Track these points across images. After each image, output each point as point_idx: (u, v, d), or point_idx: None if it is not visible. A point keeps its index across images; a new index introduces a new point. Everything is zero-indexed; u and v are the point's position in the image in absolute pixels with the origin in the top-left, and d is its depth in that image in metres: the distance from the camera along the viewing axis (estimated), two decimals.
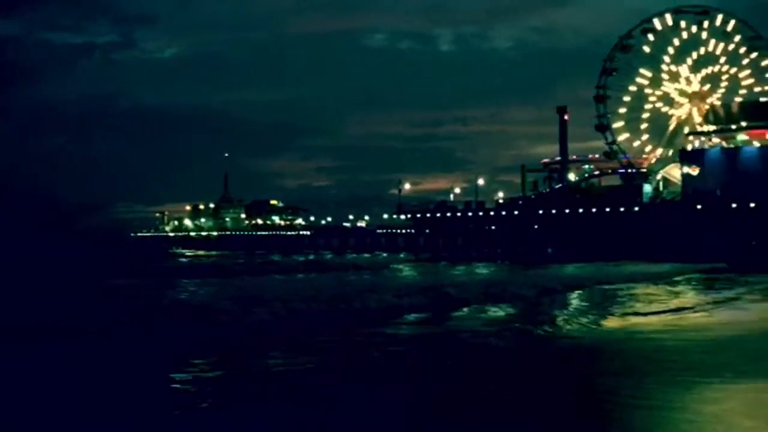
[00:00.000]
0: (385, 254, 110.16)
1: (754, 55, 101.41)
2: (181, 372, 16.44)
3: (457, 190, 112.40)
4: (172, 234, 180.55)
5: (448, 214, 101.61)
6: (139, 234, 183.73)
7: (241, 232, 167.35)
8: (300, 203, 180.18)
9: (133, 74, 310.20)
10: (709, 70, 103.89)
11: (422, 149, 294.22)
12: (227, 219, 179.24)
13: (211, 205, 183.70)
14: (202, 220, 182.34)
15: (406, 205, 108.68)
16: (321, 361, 17.64)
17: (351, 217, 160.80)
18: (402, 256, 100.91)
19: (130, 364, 17.76)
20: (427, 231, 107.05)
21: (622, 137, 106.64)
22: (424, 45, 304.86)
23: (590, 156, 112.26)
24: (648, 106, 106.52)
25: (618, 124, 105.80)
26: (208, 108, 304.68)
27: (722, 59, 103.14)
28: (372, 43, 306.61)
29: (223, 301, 28.32)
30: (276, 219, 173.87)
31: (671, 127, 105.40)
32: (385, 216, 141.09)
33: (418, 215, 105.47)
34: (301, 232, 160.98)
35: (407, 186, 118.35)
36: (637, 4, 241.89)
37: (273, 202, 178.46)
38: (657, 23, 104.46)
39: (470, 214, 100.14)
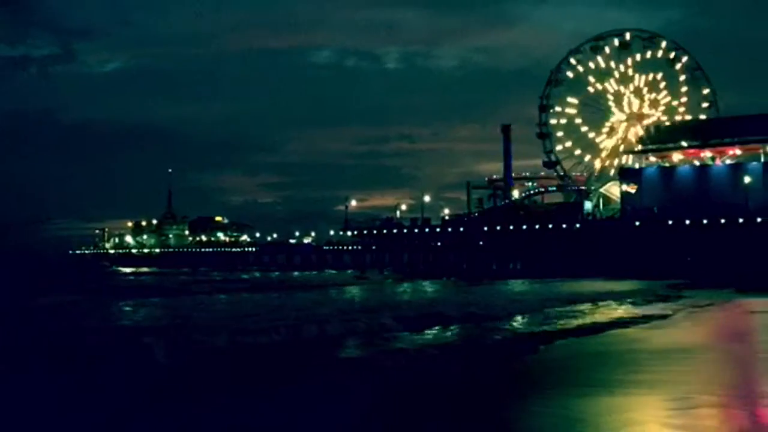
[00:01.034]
0: (332, 271, 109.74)
1: (686, 79, 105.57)
2: None
3: (404, 207, 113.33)
4: (112, 251, 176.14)
5: (395, 231, 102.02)
6: (77, 251, 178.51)
7: (185, 249, 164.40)
8: (245, 220, 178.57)
9: (72, 88, 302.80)
10: (648, 91, 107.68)
11: (368, 166, 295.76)
12: (170, 236, 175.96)
13: (154, 222, 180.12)
14: (144, 236, 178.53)
15: (353, 221, 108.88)
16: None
17: (297, 233, 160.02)
18: (349, 273, 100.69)
19: None
20: (374, 248, 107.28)
21: (561, 152, 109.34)
22: (371, 63, 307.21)
23: (539, 174, 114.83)
24: (587, 125, 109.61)
25: (559, 146, 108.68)
26: (152, 123, 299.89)
27: (662, 83, 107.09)
28: (318, 60, 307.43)
29: (146, 329, 26.14)
30: (220, 236, 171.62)
31: (611, 146, 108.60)
32: (332, 233, 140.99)
33: (365, 232, 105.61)
34: (246, 249, 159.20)
35: (354, 202, 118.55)
36: (580, 26, 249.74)
37: (217, 218, 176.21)
38: (600, 45, 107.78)
39: (416, 230, 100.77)
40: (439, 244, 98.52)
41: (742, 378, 18.90)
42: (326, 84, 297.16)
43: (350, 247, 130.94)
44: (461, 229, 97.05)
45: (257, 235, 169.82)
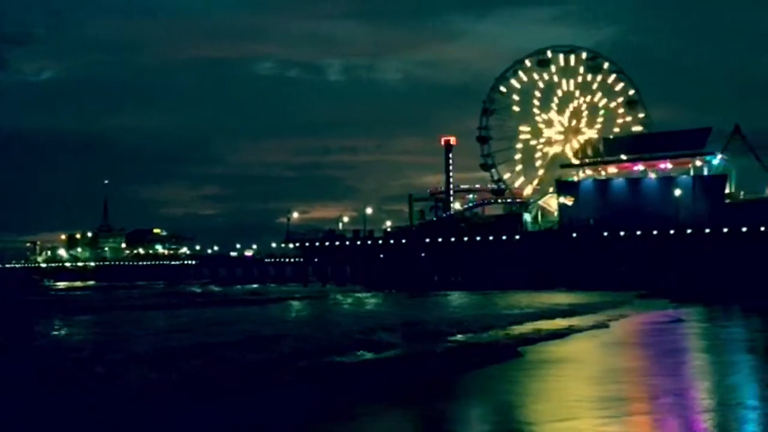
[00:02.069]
0: (273, 285, 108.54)
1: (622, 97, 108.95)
2: None
3: (346, 219, 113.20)
4: (44, 265, 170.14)
5: (337, 243, 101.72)
6: (7, 265, 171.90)
7: (122, 263, 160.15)
8: (185, 232, 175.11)
9: (5, 96, 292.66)
10: (584, 106, 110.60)
11: (311, 177, 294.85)
12: (106, 248, 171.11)
13: (89, 234, 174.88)
14: (79, 250, 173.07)
15: (295, 233, 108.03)
16: None
17: (238, 246, 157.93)
18: (291, 286, 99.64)
19: None
20: (316, 260, 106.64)
21: (503, 167, 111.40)
22: (314, 74, 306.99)
23: (478, 186, 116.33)
24: (526, 139, 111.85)
25: (501, 161, 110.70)
26: (88, 133, 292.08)
27: (597, 98, 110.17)
28: (261, 70, 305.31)
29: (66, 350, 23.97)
30: (159, 248, 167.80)
31: (548, 160, 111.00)
32: (274, 245, 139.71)
33: (307, 244, 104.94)
34: (186, 262, 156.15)
35: (296, 214, 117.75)
36: (521, 42, 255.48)
37: (156, 230, 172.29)
38: (546, 58, 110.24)
39: (359, 242, 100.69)
40: (381, 256, 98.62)
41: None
42: (269, 95, 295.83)
43: (292, 260, 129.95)
44: (403, 241, 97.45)
45: (197, 247, 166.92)
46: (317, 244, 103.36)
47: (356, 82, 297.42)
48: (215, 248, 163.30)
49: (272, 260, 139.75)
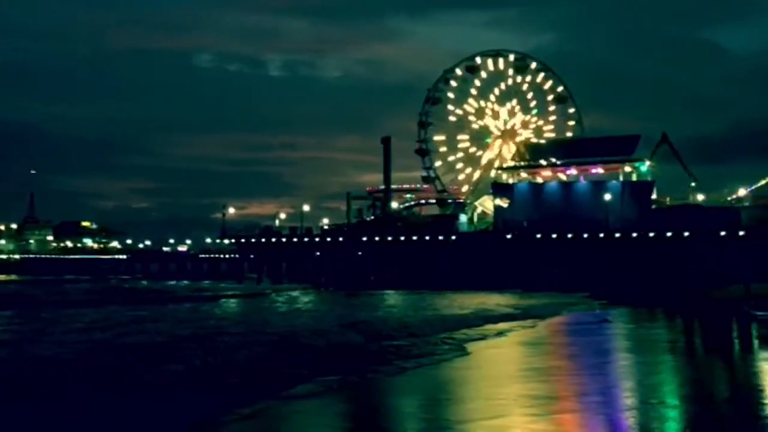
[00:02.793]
0: (207, 282, 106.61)
1: (556, 100, 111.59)
2: None
3: (283, 216, 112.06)
4: None
5: (274, 240, 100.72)
6: None
7: (48, 256, 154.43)
8: (116, 226, 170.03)
9: None
10: (520, 110, 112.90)
11: (248, 173, 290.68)
12: (32, 241, 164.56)
13: (14, 226, 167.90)
14: (2, 242, 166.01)
15: (231, 229, 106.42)
16: None
17: (172, 241, 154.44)
18: (224, 285, 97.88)
19: None
20: (252, 256, 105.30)
21: (440, 168, 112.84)
22: (254, 69, 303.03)
23: (416, 185, 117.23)
24: (464, 141, 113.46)
25: (438, 162, 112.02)
26: (14, 121, 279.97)
27: (533, 103, 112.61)
28: (200, 63, 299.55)
29: None
30: (88, 242, 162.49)
31: (486, 161, 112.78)
32: (209, 240, 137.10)
33: (243, 240, 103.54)
34: (116, 256, 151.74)
35: (232, 210, 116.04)
36: (459, 45, 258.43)
37: (85, 223, 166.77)
38: (475, 65, 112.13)
39: (296, 239, 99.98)
40: (318, 254, 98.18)
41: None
42: (207, 88, 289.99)
43: (227, 256, 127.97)
44: (340, 239, 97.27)
45: (129, 242, 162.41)
46: (253, 240, 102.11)
47: (297, 78, 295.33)
48: (147, 243, 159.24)
49: (207, 256, 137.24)
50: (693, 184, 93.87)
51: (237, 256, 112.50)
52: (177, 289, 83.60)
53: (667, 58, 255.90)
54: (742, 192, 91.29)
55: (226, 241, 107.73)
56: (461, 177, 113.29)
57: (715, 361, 25.33)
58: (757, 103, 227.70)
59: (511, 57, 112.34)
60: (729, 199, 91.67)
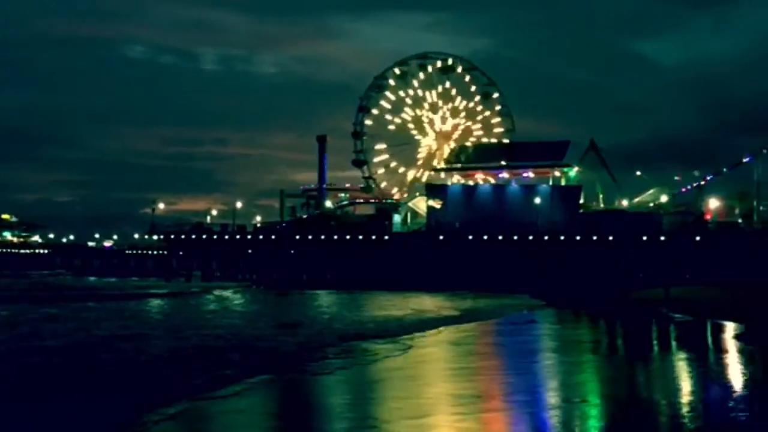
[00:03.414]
0: (135, 278, 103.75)
1: (491, 106, 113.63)
2: None
3: (215, 212, 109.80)
4: None
5: (204, 237, 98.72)
6: None
7: None
8: (38, 219, 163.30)
9: None
10: (455, 113, 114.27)
11: (180, 168, 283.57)
12: None
13: None
14: None
15: (160, 225, 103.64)
16: None
17: (97, 236, 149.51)
18: (152, 282, 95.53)
19: None
20: (181, 253, 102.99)
21: (376, 168, 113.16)
22: (187, 62, 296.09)
23: (347, 185, 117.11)
24: (398, 141, 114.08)
25: (373, 159, 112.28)
26: None
27: (468, 106, 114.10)
28: (131, 54, 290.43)
29: None
30: (8, 235, 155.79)
31: (420, 163, 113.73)
32: (137, 236, 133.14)
33: (172, 236, 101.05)
34: (37, 251, 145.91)
35: (161, 205, 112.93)
36: (398, 46, 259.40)
37: (4, 216, 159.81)
38: (408, 67, 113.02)
39: (227, 237, 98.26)
40: (250, 251, 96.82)
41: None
42: (138, 80, 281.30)
43: (155, 252, 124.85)
44: (273, 237, 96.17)
45: (51, 236, 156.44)
46: (183, 237, 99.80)
47: (232, 73, 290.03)
48: (71, 237, 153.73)
49: (134, 252, 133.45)
50: (618, 190, 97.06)
51: (166, 252, 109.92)
52: (100, 285, 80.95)
53: (597, 67, 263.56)
54: (663, 198, 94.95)
55: (155, 237, 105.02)
56: (395, 177, 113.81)
57: (635, 361, 26.21)
58: (679, 112, 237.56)
59: (451, 60, 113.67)
60: (651, 204, 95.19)
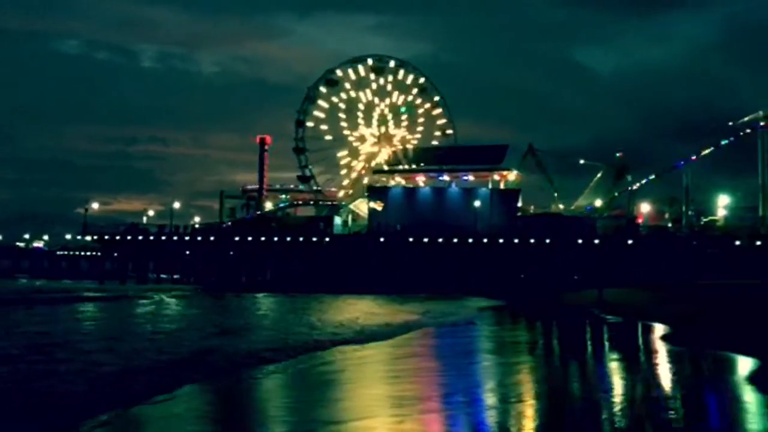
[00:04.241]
0: (67, 281, 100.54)
1: (433, 107, 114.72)
2: None
3: (152, 213, 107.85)
4: None
5: (140, 237, 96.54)
6: None
7: None
8: None
9: None
10: (396, 116, 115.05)
11: (116, 167, 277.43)
12: None
13: None
14: None
15: (94, 225, 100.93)
16: None
17: (27, 236, 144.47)
18: (85, 283, 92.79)
19: None
20: (116, 254, 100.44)
21: (317, 170, 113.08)
22: (125, 58, 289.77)
23: (292, 187, 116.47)
24: (341, 143, 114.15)
25: (316, 167, 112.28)
26: None
27: (409, 109, 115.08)
28: (65, 48, 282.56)
29: None
30: None
31: (361, 165, 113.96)
32: (69, 237, 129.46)
33: (107, 237, 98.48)
34: None
35: (95, 205, 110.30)
36: (340, 47, 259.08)
37: None
38: (350, 69, 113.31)
39: (164, 238, 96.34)
40: (187, 253, 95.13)
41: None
42: (72, 76, 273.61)
43: (89, 253, 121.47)
44: (212, 238, 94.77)
45: None
46: (118, 237, 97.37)
47: (171, 70, 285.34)
48: None
49: (66, 253, 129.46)
50: (555, 194, 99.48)
51: (99, 254, 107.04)
52: (27, 288, 77.72)
53: (537, 73, 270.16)
54: (598, 202, 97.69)
55: (88, 238, 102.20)
56: (337, 179, 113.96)
57: (570, 361, 26.83)
58: (615, 119, 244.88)
59: (391, 63, 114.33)
60: (586, 208, 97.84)
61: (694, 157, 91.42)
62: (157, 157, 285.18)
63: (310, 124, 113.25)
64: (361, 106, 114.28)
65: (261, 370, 22.58)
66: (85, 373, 19.88)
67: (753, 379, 20.17)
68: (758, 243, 79.39)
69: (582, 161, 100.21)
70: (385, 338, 32.47)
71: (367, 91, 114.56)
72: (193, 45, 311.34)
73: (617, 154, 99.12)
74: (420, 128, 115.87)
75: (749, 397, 17.77)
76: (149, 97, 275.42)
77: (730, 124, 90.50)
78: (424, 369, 24.06)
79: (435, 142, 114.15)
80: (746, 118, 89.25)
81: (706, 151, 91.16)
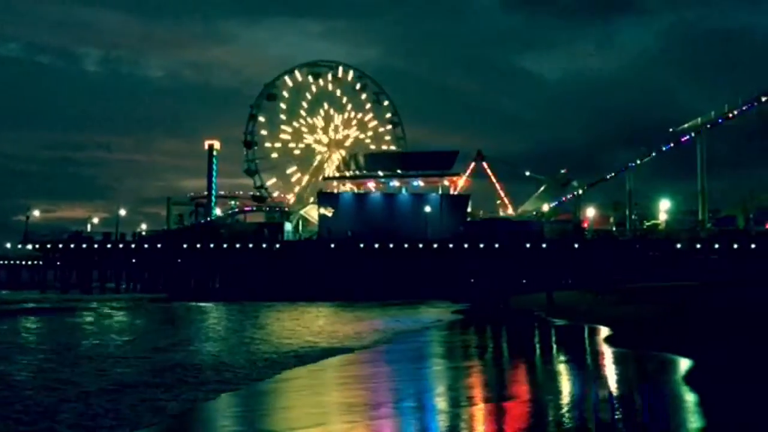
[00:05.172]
0: (5, 292, 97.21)
1: (386, 114, 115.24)
2: None
3: (96, 221, 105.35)
4: None
5: (84, 246, 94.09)
6: None
7: None
8: None
9: None
10: (347, 121, 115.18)
11: (58, 174, 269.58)
12: None
13: None
14: None
15: (35, 234, 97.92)
16: None
17: None
18: (25, 295, 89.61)
19: None
20: (59, 263, 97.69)
21: (268, 177, 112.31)
22: (67, 62, 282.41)
23: (241, 194, 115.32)
24: (291, 150, 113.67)
25: (265, 168, 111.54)
26: None
27: (360, 115, 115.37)
28: (5, 52, 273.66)
29: None
30: None
31: (311, 171, 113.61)
32: (9, 245, 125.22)
33: (49, 246, 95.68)
34: None
35: (37, 213, 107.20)
36: (290, 53, 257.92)
37: None
38: (300, 75, 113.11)
39: (109, 246, 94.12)
40: (134, 261, 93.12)
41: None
42: (13, 79, 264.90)
43: (30, 263, 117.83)
44: (159, 246, 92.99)
45: None
46: (61, 246, 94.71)
47: (116, 75, 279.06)
48: None
49: (5, 263, 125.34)
50: (503, 198, 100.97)
51: (41, 263, 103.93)
52: None
53: (486, 80, 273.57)
54: (545, 207, 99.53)
55: (29, 247, 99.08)
56: (287, 185, 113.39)
57: (519, 364, 27.27)
58: (562, 125, 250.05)
59: (342, 69, 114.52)
60: (534, 213, 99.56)
61: (637, 163, 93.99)
62: (101, 164, 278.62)
63: (261, 119, 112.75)
64: (306, 113, 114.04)
65: (207, 387, 21.55)
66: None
67: (688, 379, 20.89)
68: (698, 246, 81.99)
69: (528, 173, 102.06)
70: (328, 356, 32.05)
71: (317, 97, 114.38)
72: (139, 49, 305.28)
73: (561, 170, 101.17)
74: (370, 133, 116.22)
75: (684, 396, 18.42)
76: (93, 102, 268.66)
77: (671, 130, 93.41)
78: (374, 374, 24.14)
79: (385, 148, 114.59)
80: (686, 125, 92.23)
81: (648, 158, 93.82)
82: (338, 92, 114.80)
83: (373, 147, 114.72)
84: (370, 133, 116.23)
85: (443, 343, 35.77)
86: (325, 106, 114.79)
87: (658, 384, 19.56)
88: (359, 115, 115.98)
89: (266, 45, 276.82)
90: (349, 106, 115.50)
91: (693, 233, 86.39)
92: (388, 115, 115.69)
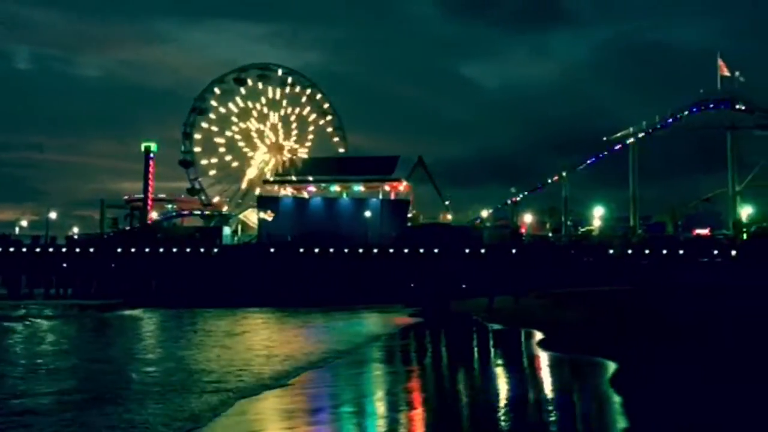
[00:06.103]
0: None
1: (324, 116, 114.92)
2: None
3: (25, 223, 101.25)
4: None
5: (12, 249, 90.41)
6: None
7: None
8: None
9: None
10: (286, 126, 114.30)
11: None
12: None
13: None
14: None
15: None
16: None
17: None
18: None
19: None
20: None
21: (206, 180, 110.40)
22: None
23: (180, 197, 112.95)
24: (230, 154, 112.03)
25: (203, 174, 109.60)
26: None
27: (299, 119, 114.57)
28: None
29: None
30: None
31: (251, 175, 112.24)
32: None
33: None
34: None
35: None
36: (228, 54, 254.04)
37: None
38: (241, 77, 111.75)
39: (39, 249, 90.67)
40: (65, 265, 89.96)
41: None
42: None
43: None
44: (91, 249, 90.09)
45: None
46: None
47: (48, 73, 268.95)
48: None
49: None
50: (447, 203, 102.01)
51: None
52: None
53: (426, 86, 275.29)
54: (484, 213, 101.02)
55: None
56: (226, 189, 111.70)
57: (458, 367, 27.55)
58: (500, 132, 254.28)
59: (281, 72, 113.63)
60: (473, 219, 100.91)
61: (572, 170, 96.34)
62: (31, 165, 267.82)
63: (197, 136, 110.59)
64: (238, 119, 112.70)
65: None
66: None
67: (612, 381, 21.56)
68: (629, 251, 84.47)
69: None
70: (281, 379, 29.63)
71: (251, 101, 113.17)
72: (73, 48, 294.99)
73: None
74: (311, 137, 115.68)
75: (608, 397, 18.97)
76: (23, 101, 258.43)
77: (605, 139, 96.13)
78: (313, 380, 23.99)
79: (325, 153, 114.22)
80: (618, 134, 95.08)
81: (583, 166, 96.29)
82: (279, 95, 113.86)
83: (313, 152, 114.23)
84: (310, 137, 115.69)
85: (382, 347, 35.81)
86: (266, 109, 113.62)
87: (585, 387, 20.08)
88: (300, 120, 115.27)
89: (207, 47, 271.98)
90: (290, 109, 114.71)
91: (625, 239, 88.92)
92: (329, 117, 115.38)
